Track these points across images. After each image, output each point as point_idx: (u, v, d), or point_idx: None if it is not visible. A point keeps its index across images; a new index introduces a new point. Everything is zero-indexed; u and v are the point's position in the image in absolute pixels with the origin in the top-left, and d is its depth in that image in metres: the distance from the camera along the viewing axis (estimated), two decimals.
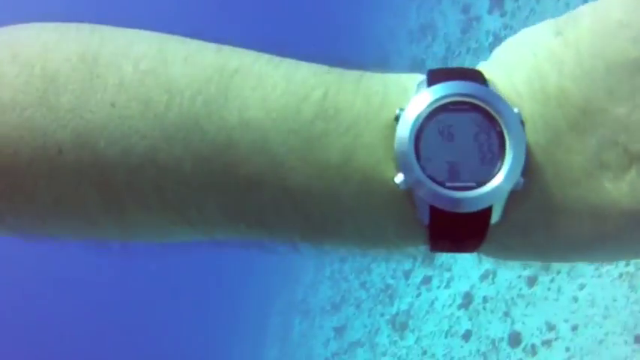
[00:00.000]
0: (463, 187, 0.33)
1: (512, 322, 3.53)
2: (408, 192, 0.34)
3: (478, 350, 3.72)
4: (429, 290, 4.40)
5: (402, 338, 4.51)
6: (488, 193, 0.33)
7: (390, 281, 5.00)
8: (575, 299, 3.13)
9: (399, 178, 0.33)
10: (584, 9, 0.36)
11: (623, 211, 0.33)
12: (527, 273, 3.51)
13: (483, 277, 3.87)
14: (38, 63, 0.35)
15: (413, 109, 0.34)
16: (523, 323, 3.47)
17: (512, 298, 3.58)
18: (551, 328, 3.25)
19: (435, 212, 0.33)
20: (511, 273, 3.62)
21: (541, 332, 3.31)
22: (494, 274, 3.78)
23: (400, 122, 0.34)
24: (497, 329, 3.63)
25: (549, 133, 0.34)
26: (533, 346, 3.32)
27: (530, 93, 0.34)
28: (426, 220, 0.34)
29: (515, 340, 3.45)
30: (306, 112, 0.34)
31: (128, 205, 0.36)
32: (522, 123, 0.34)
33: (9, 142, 0.34)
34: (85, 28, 0.37)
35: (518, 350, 3.41)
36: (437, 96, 0.34)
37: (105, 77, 0.34)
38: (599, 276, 3.03)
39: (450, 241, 0.36)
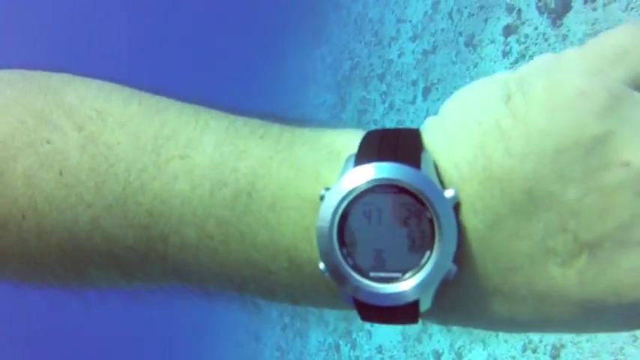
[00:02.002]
0: (387, 278, 0.32)
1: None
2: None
3: None
4: None
5: None
6: (413, 288, 0.31)
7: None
8: None
9: (322, 265, 0.32)
10: (536, 70, 0.33)
11: (571, 299, 0.32)
12: None
13: None
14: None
15: (338, 191, 0.32)
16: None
17: None
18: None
19: (359, 303, 0.33)
20: None
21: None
22: None
23: (324, 204, 0.32)
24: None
25: (490, 217, 0.32)
26: None
27: (471, 172, 0.32)
28: (351, 304, 0.34)
29: None
30: (230, 186, 0.34)
31: (85, 267, 0.38)
32: (458, 206, 0.32)
33: None
34: (37, 82, 0.39)
35: None
36: (365, 179, 0.32)
37: (53, 142, 0.36)
38: None
39: (381, 322, 0.35)
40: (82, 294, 0.42)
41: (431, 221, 0.31)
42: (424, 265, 0.32)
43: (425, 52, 4.88)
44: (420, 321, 0.35)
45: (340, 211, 0.32)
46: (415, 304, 0.32)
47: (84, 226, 0.36)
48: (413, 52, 5.11)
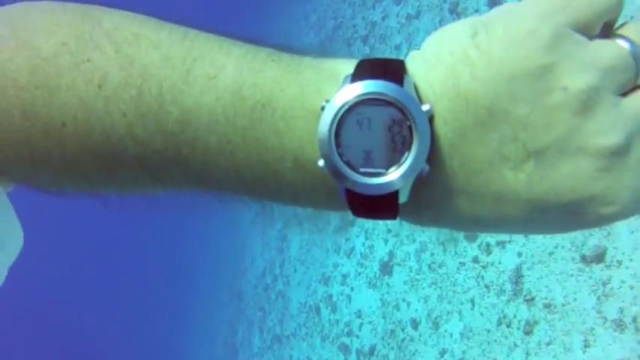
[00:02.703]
0: (374, 173, 0.38)
1: None
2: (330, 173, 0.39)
3: (438, 238, 3.82)
4: None
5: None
6: (394, 180, 0.38)
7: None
8: None
9: (321, 162, 0.38)
10: (499, 14, 0.40)
11: (521, 198, 0.39)
12: None
13: None
14: (43, 46, 0.41)
15: (336, 103, 0.38)
16: None
17: None
18: None
19: (349, 193, 0.39)
20: None
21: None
22: None
23: (324, 113, 0.38)
24: None
25: (457, 128, 0.38)
26: (488, 244, 3.36)
27: (443, 91, 0.39)
28: (343, 196, 0.40)
29: (471, 235, 3.50)
30: (248, 99, 0.40)
31: (116, 169, 0.43)
32: (432, 117, 0.38)
33: (27, 116, 0.41)
34: (78, 11, 0.44)
35: (474, 246, 3.46)
36: (357, 93, 0.38)
37: (94, 61, 0.41)
38: None
39: (367, 214, 0.41)
40: (106, 199, 0.48)
41: (410, 128, 0.38)
42: (404, 162, 0.38)
43: (409, 17, 4.82)
44: (399, 219, 0.43)
45: (337, 119, 0.38)
46: (395, 195, 0.39)
47: (118, 131, 0.41)
48: (397, 16, 5.05)
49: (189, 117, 0.40)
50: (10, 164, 0.44)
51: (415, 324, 3.81)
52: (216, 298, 9.01)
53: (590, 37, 0.39)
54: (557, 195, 0.38)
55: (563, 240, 2.85)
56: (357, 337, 4.49)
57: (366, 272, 4.53)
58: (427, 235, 3.89)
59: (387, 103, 0.38)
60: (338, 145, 0.38)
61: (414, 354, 3.77)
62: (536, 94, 0.37)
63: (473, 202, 0.40)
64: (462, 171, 0.39)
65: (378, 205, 0.40)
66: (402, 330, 3.94)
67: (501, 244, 3.25)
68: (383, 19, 5.30)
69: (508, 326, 3.09)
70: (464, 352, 3.36)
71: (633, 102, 0.39)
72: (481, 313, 3.29)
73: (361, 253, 4.66)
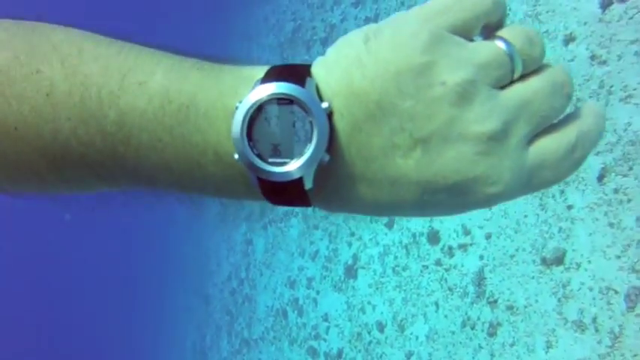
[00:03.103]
0: (281, 163, 0.43)
1: (431, 219, 3.60)
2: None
3: (401, 241, 3.82)
4: None
5: (332, 214, 4.58)
6: (298, 167, 0.42)
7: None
8: None
9: (236, 155, 0.43)
10: (389, 21, 0.46)
11: (412, 181, 0.43)
12: None
13: None
14: None
15: (246, 103, 0.43)
16: (441, 222, 3.53)
17: None
18: (466, 232, 3.30)
19: (261, 181, 0.44)
20: None
21: (457, 235, 3.37)
22: None
23: (236, 112, 0.43)
24: (417, 223, 3.73)
25: (352, 122, 0.43)
26: (450, 247, 3.39)
27: (339, 90, 0.44)
28: (256, 185, 0.45)
29: (433, 238, 3.52)
30: (175, 102, 0.45)
31: (64, 168, 0.48)
32: (331, 113, 0.43)
33: None
34: (29, 27, 0.49)
35: (437, 249, 3.49)
36: (265, 93, 0.43)
37: (42, 72, 0.46)
38: None
39: (281, 201, 0.46)
40: (58, 199, 0.54)
41: (311, 123, 0.42)
42: (306, 152, 0.42)
43: (367, 19, 4.81)
44: (311, 206, 0.48)
45: (247, 116, 0.43)
46: (300, 181, 0.43)
47: (64, 133, 0.45)
48: (355, 19, 5.04)
49: (124, 118, 0.45)
50: None
51: (381, 327, 3.82)
52: (183, 301, 8.93)
53: (470, 39, 0.45)
54: (444, 177, 0.43)
55: (523, 243, 2.88)
56: (325, 340, 4.49)
57: (331, 276, 4.53)
58: (390, 238, 3.89)
59: (291, 102, 0.42)
60: (250, 139, 0.43)
61: (380, 356, 3.79)
62: (418, 89, 0.42)
63: (372, 188, 0.44)
64: (359, 159, 0.44)
65: (287, 192, 0.44)
66: (369, 333, 3.94)
67: (463, 247, 3.27)
68: (341, 21, 5.30)
69: (472, 328, 3.11)
70: (430, 355, 3.38)
71: (508, 94, 0.43)
72: (445, 316, 3.31)
73: (326, 257, 4.65)
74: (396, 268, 3.78)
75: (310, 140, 0.42)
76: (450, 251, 3.37)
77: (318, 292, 4.72)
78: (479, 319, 3.07)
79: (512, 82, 0.45)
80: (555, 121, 0.46)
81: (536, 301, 2.76)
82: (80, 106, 0.45)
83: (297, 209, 5.13)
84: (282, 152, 0.43)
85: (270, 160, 0.43)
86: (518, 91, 0.44)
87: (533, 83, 0.45)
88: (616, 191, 2.48)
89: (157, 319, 10.47)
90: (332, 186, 0.45)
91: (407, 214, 0.47)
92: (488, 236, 3.12)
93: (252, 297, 6.15)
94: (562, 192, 2.71)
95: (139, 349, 11.57)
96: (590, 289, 2.51)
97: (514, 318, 2.86)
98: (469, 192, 0.44)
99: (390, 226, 3.95)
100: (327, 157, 0.43)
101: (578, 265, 2.57)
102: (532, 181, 0.45)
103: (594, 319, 2.47)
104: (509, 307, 2.89)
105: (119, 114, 0.45)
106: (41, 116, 0.45)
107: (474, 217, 3.23)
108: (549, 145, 0.45)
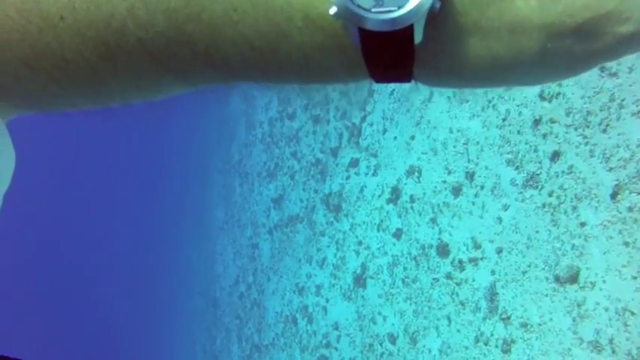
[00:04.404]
0: (387, 11, 0.36)
1: (440, 231, 3.55)
2: (342, 23, 0.38)
3: (409, 253, 3.77)
4: (357, 174, 4.52)
5: (337, 220, 4.69)
6: (406, 13, 0.36)
7: (319, 155, 5.19)
8: (500, 220, 3.11)
9: (333, 10, 0.37)
10: None
11: (534, 25, 0.37)
12: (451, 179, 3.50)
13: (409, 172, 3.89)
14: None
15: None
16: (450, 234, 3.48)
17: (439, 205, 3.58)
18: (476, 246, 3.25)
19: (363, 34, 0.37)
20: (435, 174, 3.63)
21: (467, 248, 3.32)
22: (420, 171, 3.80)
23: None
24: (426, 235, 3.66)
25: None
26: (460, 261, 3.34)
27: None
28: (358, 44, 0.38)
29: (443, 250, 3.48)
30: None
31: (119, 59, 0.41)
32: None
33: (22, 15, 0.40)
34: None
35: (447, 262, 3.44)
36: None
37: None
38: (523, 200, 2.98)
39: (383, 65, 0.40)
40: (106, 109, 0.48)
41: None
42: None
43: None
44: (417, 79, 0.42)
45: None
46: (410, 32, 0.37)
47: (119, 16, 0.39)
48: None
49: None
50: (8, 71, 0.43)
51: (393, 339, 3.79)
52: (191, 304, 8.95)
53: None
54: (571, 15, 0.37)
55: (536, 259, 2.83)
56: (336, 349, 4.48)
57: (340, 284, 4.49)
58: (398, 248, 3.85)
59: None
60: None
61: None
62: None
63: (488, 40, 0.38)
64: (473, 5, 0.37)
65: (393, 47, 0.38)
66: (380, 344, 3.92)
67: (474, 261, 3.23)
68: None
69: (486, 344, 3.07)
70: None
71: None
72: (458, 330, 3.28)
73: (333, 264, 4.62)
74: (406, 280, 3.74)
75: None
76: (460, 265, 3.32)
77: (327, 300, 4.69)
78: (492, 335, 3.03)
79: None
80: None
81: (551, 319, 2.71)
82: None
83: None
84: (386, 1, 0.37)
85: (374, 9, 0.37)
86: None
87: None
88: (630, 209, 2.42)
89: (166, 321, 10.50)
90: (442, 43, 0.39)
91: (527, 77, 0.41)
92: (499, 251, 3.06)
93: (260, 302, 6.15)
94: (574, 208, 2.66)
95: (149, 351, 11.61)
96: (606, 310, 2.46)
97: (528, 335, 2.81)
98: (598, 33, 0.38)
99: (397, 236, 3.90)
100: (438, 4, 0.36)
101: (593, 285, 2.52)
102: None
103: (611, 340, 2.43)
104: (523, 325, 2.85)
105: None
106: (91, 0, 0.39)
107: (484, 231, 3.18)
108: None
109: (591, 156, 2.60)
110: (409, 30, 0.37)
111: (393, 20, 0.37)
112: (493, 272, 3.08)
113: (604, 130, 2.54)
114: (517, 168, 2.99)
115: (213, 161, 8.48)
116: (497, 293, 3.03)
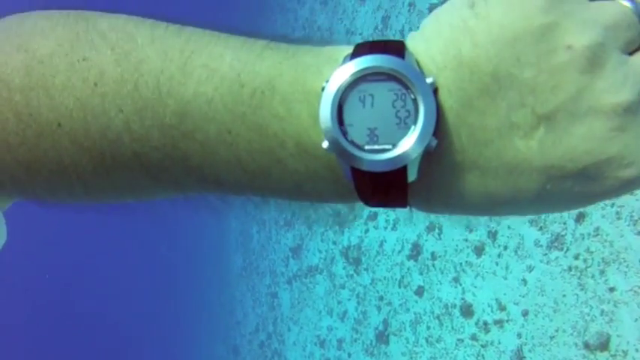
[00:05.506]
0: (380, 150, 0.36)
1: (463, 291, 3.47)
2: (334, 155, 0.38)
3: (432, 311, 3.70)
4: (376, 228, 4.46)
5: (357, 274, 4.62)
6: (401, 154, 0.36)
7: (337, 206, 5.15)
8: (525, 282, 3.03)
9: (325, 143, 0.37)
10: None
11: (534, 167, 0.36)
12: (473, 237, 3.45)
13: (429, 229, 3.84)
14: (38, 48, 0.41)
15: (336, 81, 0.37)
16: (474, 295, 3.40)
17: (461, 264, 3.51)
18: (501, 307, 3.17)
19: (355, 173, 0.37)
20: (457, 232, 3.59)
21: (492, 310, 3.24)
22: (440, 228, 3.75)
23: (325, 93, 0.37)
24: (449, 294, 3.59)
25: (462, 98, 0.37)
26: (485, 322, 3.26)
27: (445, 62, 0.37)
28: (350, 178, 0.38)
29: (467, 311, 3.40)
30: (247, 86, 0.39)
31: (114, 170, 0.42)
32: (436, 90, 0.37)
33: (20, 119, 0.40)
34: (72, 15, 0.43)
35: (471, 323, 3.36)
36: (357, 68, 0.37)
37: (89, 59, 0.40)
38: (548, 262, 2.91)
39: (376, 198, 0.39)
40: (104, 209, 0.47)
41: (414, 102, 0.36)
42: (410, 136, 0.36)
43: None
44: (409, 207, 0.41)
45: (338, 96, 0.37)
46: (404, 172, 0.36)
47: (115, 128, 0.40)
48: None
49: (186, 108, 0.39)
50: (6, 171, 0.43)
51: None
52: (210, 350, 8.87)
53: None
54: (572, 160, 0.36)
55: (564, 324, 2.75)
56: None
57: (362, 339, 4.42)
58: (421, 306, 3.77)
59: (389, 77, 0.37)
60: (341, 123, 0.37)
61: None
62: (540, 55, 0.36)
63: (485, 178, 0.38)
64: (471, 143, 0.37)
65: (387, 185, 0.38)
66: None
67: (499, 322, 3.15)
68: None
69: None
70: None
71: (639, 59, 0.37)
72: None
73: (355, 319, 4.54)
74: (430, 339, 3.66)
75: (414, 122, 0.36)
76: (485, 326, 3.24)
77: (349, 355, 4.61)
78: None
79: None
80: None
81: None
82: (134, 95, 0.40)
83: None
84: (380, 138, 0.37)
85: (367, 147, 0.37)
86: None
87: None
88: None
89: None
90: (436, 178, 0.39)
91: (522, 211, 0.40)
92: (525, 313, 2.98)
93: (281, 352, 6.07)
94: (602, 272, 2.59)
95: None
96: None
97: None
98: (600, 177, 0.37)
99: (419, 294, 3.82)
100: (434, 142, 0.36)
101: (625, 353, 2.44)
102: None
103: None
104: None
105: (181, 102, 0.39)
106: (88, 109, 0.40)
107: (509, 292, 3.10)
108: None
109: (618, 218, 2.53)
110: (403, 170, 0.37)
111: (387, 161, 0.36)
112: (519, 335, 2.99)
113: (631, 192, 2.49)
114: (541, 228, 2.92)
115: None
116: (524, 357, 2.95)
